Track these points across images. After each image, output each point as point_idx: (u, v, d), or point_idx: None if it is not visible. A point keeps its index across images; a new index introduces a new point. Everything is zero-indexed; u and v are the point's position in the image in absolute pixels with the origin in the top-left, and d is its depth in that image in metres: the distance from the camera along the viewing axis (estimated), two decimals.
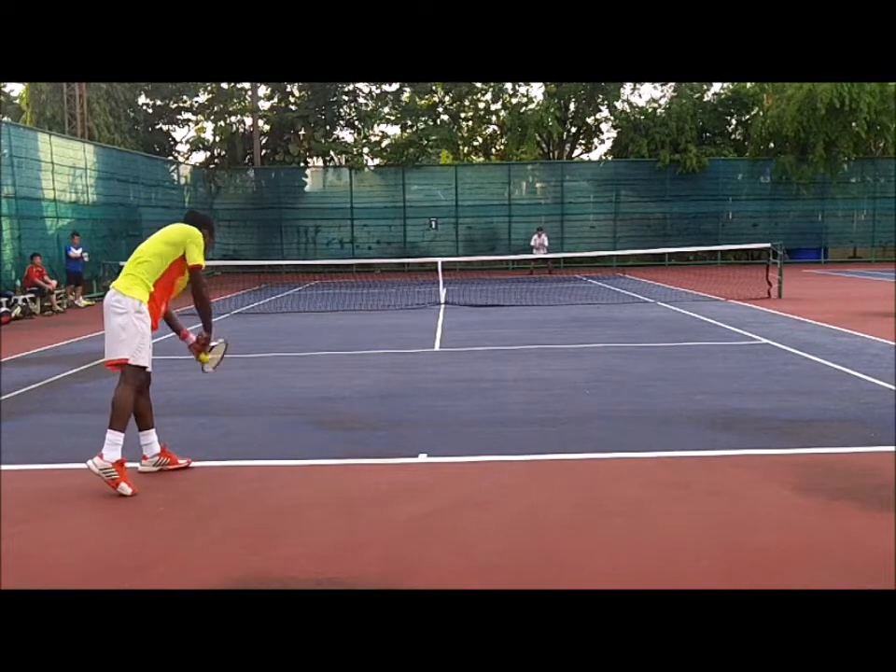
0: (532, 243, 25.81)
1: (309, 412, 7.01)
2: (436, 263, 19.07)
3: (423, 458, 5.55)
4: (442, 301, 16.45)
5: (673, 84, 32.51)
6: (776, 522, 4.27)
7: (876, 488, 4.73)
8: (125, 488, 4.89)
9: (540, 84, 32.25)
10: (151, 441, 5.38)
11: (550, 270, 26.15)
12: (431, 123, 32.84)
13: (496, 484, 5.01)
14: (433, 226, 30.56)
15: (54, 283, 17.13)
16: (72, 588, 3.58)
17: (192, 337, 5.52)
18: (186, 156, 33.30)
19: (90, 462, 4.92)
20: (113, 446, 4.93)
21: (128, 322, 5.00)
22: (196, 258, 5.18)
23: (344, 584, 3.60)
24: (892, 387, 7.34)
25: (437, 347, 10.67)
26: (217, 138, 32.68)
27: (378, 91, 33.05)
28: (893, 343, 9.78)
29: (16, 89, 30.82)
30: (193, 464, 5.51)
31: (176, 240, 5.21)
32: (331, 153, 31.98)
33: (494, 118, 33.49)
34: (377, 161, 32.24)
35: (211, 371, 5.65)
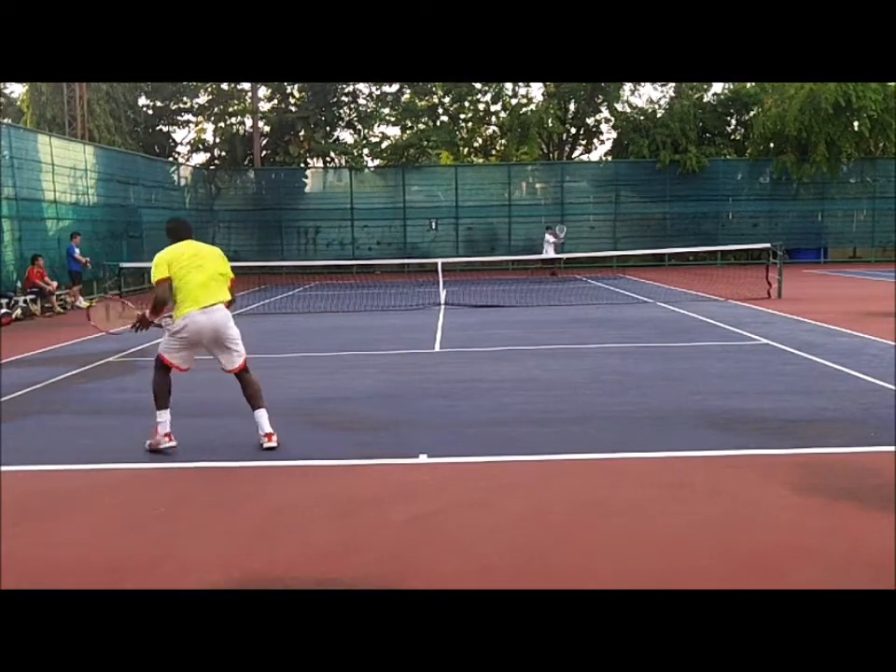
0: (551, 239, 24.66)
1: (309, 412, 7.01)
2: (436, 264, 19.05)
3: (423, 458, 5.55)
4: (443, 301, 16.43)
5: (673, 84, 32.52)
6: (776, 522, 4.27)
7: (876, 488, 4.73)
8: None
9: (540, 84, 32.27)
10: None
11: (553, 271, 25.60)
12: (431, 124, 32.82)
13: (496, 484, 5.02)
14: (433, 227, 30.54)
15: (55, 284, 17.12)
16: (72, 588, 3.58)
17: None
18: (186, 157, 33.32)
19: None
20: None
21: None
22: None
23: (344, 584, 3.60)
24: (892, 387, 7.34)
25: (437, 348, 10.66)
26: (218, 139, 32.69)
27: (378, 92, 33.05)
28: (893, 343, 9.78)
29: (16, 90, 30.86)
30: (194, 464, 5.54)
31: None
32: (331, 154, 31.97)
33: (494, 118, 33.49)
34: (377, 161, 32.24)
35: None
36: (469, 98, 32.58)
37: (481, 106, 33.11)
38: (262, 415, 5.86)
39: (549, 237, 24.42)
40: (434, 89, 32.44)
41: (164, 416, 5.84)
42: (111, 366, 9.77)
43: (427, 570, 3.77)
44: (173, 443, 5.82)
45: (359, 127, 33.27)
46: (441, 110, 33.24)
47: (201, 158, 33.41)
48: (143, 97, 30.96)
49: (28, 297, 16.22)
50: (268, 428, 5.81)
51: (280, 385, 8.36)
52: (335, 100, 32.57)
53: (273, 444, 5.77)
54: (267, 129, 33.00)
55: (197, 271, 5.74)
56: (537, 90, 33.31)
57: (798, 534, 4.11)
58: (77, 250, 17.93)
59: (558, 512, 4.49)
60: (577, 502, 4.65)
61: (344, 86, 31.92)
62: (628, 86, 32.72)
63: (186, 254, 5.81)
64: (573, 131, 34.18)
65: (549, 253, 24.14)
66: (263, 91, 32.84)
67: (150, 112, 31.87)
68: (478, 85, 31.50)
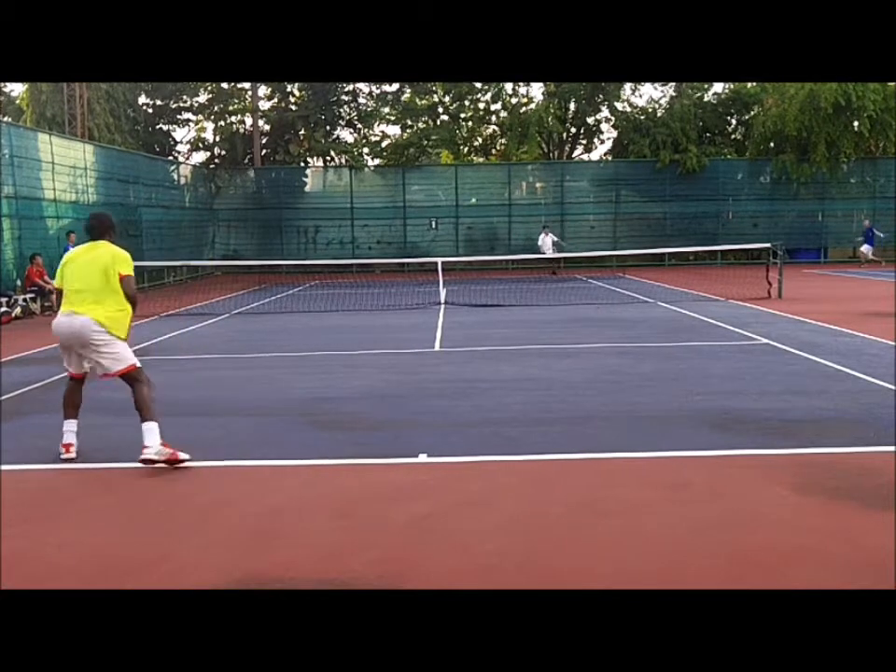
0: (539, 244, 24.99)
1: (309, 412, 7.01)
2: (436, 263, 19.05)
3: (423, 458, 5.55)
4: (442, 301, 16.44)
5: (673, 84, 32.51)
6: (776, 522, 4.27)
7: (876, 488, 4.73)
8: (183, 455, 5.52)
9: (540, 84, 32.26)
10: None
11: (554, 271, 25.66)
12: (431, 123, 32.81)
13: (495, 484, 5.01)
14: (433, 226, 30.53)
15: (54, 282, 17.10)
16: (72, 588, 3.58)
17: None
18: (186, 156, 33.30)
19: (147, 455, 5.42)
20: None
21: None
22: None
23: (344, 584, 3.60)
24: (892, 387, 7.34)
25: (437, 347, 10.67)
26: (218, 138, 32.68)
27: (378, 91, 33.05)
28: (893, 343, 9.78)
29: (16, 89, 30.82)
30: (193, 464, 5.54)
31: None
32: (332, 153, 31.97)
33: (494, 118, 33.48)
34: (377, 161, 32.23)
35: None
36: (470, 97, 32.57)
37: (481, 106, 33.10)
38: (147, 428, 5.46)
39: (549, 240, 24.51)
40: (434, 88, 32.41)
41: (67, 426, 5.72)
42: None
43: (427, 570, 3.77)
44: (70, 454, 5.64)
45: (359, 126, 33.28)
46: (441, 109, 33.23)
47: (201, 156, 33.43)
48: (143, 96, 30.94)
49: (28, 295, 16.22)
50: (146, 441, 5.42)
51: (280, 385, 8.36)
52: (335, 99, 32.55)
53: (145, 456, 5.39)
54: (267, 128, 32.99)
55: (75, 275, 5.70)
56: (537, 89, 33.31)
57: (798, 534, 4.11)
58: (72, 248, 17.84)
59: (558, 512, 4.49)
60: (576, 502, 4.65)
61: (344, 85, 31.90)
62: (628, 85, 32.69)
63: (75, 257, 5.84)
64: (573, 130, 34.15)
65: (550, 250, 24.21)
66: (263, 89, 32.84)
67: (150, 111, 31.86)
68: (478, 84, 31.48)
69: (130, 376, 5.67)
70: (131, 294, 5.70)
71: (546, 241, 24.49)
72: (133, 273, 5.72)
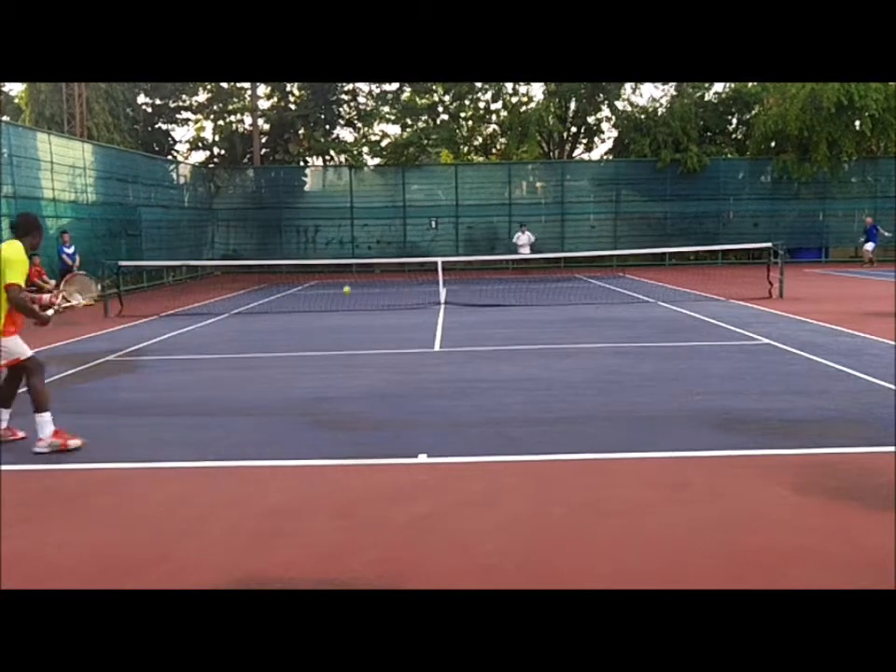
0: (515, 240, 25.40)
1: (309, 412, 7.01)
2: (436, 263, 19.04)
3: (423, 458, 5.55)
4: (442, 300, 16.44)
5: (674, 83, 32.50)
6: (776, 522, 4.27)
7: (876, 488, 4.73)
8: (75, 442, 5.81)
9: (541, 84, 32.25)
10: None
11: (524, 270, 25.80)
12: (431, 123, 32.80)
13: (495, 484, 5.02)
14: (433, 226, 30.53)
15: (53, 283, 17.09)
16: (72, 588, 3.58)
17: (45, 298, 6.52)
18: (185, 155, 33.27)
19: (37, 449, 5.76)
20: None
21: None
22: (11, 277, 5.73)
23: (344, 584, 3.60)
24: (892, 387, 7.34)
25: (437, 347, 10.66)
26: (217, 137, 32.66)
27: (378, 91, 33.04)
28: (893, 343, 9.78)
29: (15, 88, 30.79)
30: (194, 464, 5.54)
31: None
32: (331, 152, 31.96)
33: (494, 117, 33.47)
34: (377, 160, 32.22)
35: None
36: (470, 96, 32.54)
37: (481, 105, 33.07)
38: (39, 420, 5.86)
39: (521, 237, 24.86)
40: (434, 87, 32.40)
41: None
42: (108, 365, 9.77)
43: (427, 570, 3.77)
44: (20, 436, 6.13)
45: (359, 125, 33.26)
46: (441, 108, 33.21)
47: (200, 156, 33.41)
48: (142, 95, 30.93)
49: None
50: (39, 434, 5.85)
51: (280, 385, 8.36)
52: (335, 98, 32.54)
53: (37, 449, 5.79)
54: (266, 127, 32.97)
55: None
56: (537, 88, 33.26)
57: (798, 534, 4.11)
58: (72, 248, 17.80)
59: (558, 512, 4.49)
60: (577, 502, 4.65)
61: (344, 84, 31.89)
62: (629, 85, 32.68)
63: None
64: (574, 129, 34.14)
65: (526, 248, 24.61)
66: (263, 89, 32.82)
67: (149, 110, 31.84)
68: (478, 83, 31.47)
69: (21, 368, 5.98)
70: (12, 303, 5.80)
71: (522, 238, 24.78)
72: (20, 282, 5.74)
